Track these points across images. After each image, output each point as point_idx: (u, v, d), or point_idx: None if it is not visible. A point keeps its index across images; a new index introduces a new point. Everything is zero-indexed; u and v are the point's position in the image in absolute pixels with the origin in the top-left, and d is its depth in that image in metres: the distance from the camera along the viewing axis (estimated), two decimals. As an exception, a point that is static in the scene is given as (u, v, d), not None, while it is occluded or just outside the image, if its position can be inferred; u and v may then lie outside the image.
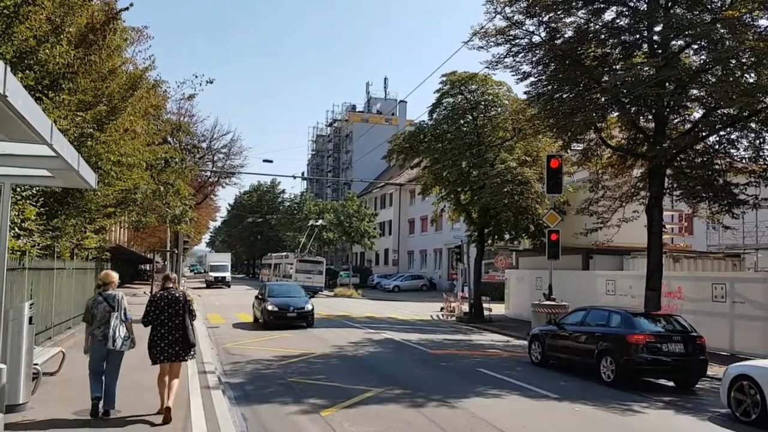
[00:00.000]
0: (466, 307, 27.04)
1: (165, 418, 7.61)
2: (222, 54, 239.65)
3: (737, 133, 16.96)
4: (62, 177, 7.63)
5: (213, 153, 46.89)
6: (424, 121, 29.86)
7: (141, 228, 36.67)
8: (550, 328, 14.70)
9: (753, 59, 14.70)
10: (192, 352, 8.14)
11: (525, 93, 19.36)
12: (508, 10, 17.69)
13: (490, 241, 28.03)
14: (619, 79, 15.70)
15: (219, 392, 9.61)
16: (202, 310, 25.08)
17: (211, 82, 23.59)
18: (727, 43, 14.83)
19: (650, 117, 17.49)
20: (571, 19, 17.58)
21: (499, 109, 26.73)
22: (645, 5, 16.84)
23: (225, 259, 56.85)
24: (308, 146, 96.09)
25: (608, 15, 17.38)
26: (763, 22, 15.63)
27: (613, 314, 13.01)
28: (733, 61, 15.25)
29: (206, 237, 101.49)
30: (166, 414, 7.65)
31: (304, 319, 20.65)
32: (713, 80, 15.84)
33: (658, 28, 16.45)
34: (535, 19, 17.68)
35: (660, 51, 16.21)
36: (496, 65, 18.61)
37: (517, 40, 18.05)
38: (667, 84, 15.88)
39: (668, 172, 17.18)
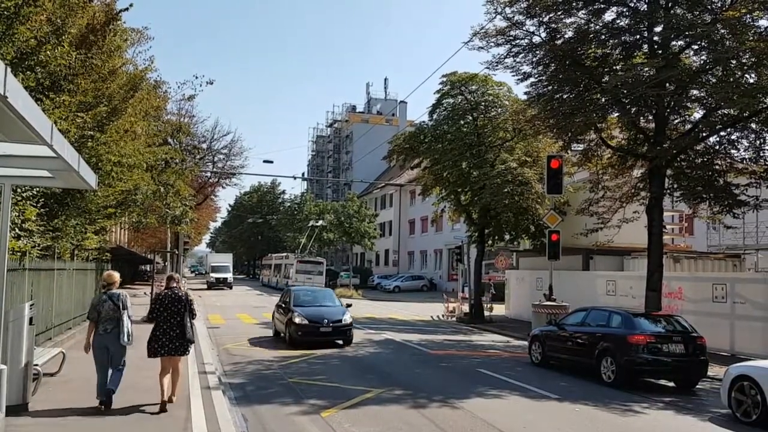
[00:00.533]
0: (466, 308, 27.05)
1: (162, 407, 8.09)
2: (222, 55, 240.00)
3: (737, 134, 16.96)
4: (63, 178, 7.63)
5: (213, 154, 46.98)
6: (424, 121, 29.91)
7: (141, 229, 36.70)
8: (550, 328, 14.69)
9: (753, 60, 14.70)
10: (189, 348, 8.71)
11: (525, 93, 19.39)
12: (508, 10, 17.70)
13: (490, 242, 28.02)
14: (619, 79, 15.69)
15: (219, 393, 9.62)
16: (202, 311, 25.09)
17: (211, 83, 23.62)
18: (727, 43, 14.83)
19: (650, 117, 17.50)
20: (572, 19, 17.58)
21: (500, 109, 26.73)
22: (645, 6, 16.84)
23: (226, 259, 55.54)
24: (308, 147, 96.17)
25: (608, 15, 17.41)
26: (763, 23, 15.69)
27: (614, 315, 13.01)
28: (734, 62, 15.25)
29: (206, 238, 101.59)
30: (164, 404, 8.14)
31: (341, 335, 16.43)
32: (713, 81, 15.85)
33: (658, 29, 16.44)
34: (535, 19, 17.68)
35: (660, 51, 16.21)
36: (497, 66, 18.63)
37: (518, 41, 18.06)
38: (667, 84, 15.88)
39: (668, 172, 17.17)
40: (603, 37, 17.20)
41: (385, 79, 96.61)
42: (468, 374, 13.11)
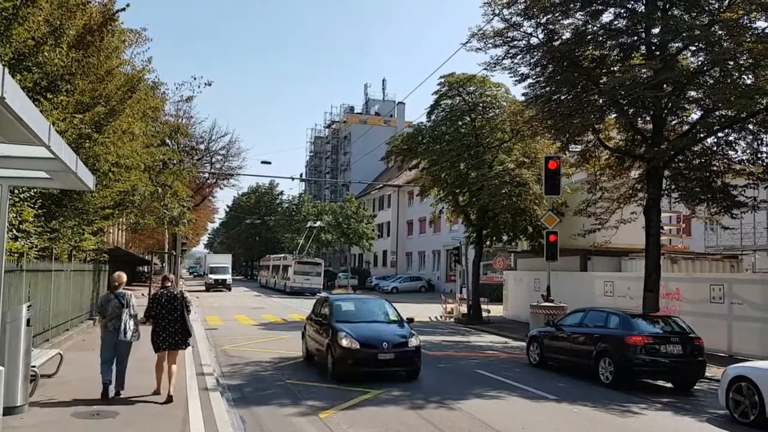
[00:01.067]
0: (464, 309, 27.05)
1: (167, 399, 8.65)
2: (222, 55, 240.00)
3: (735, 135, 16.98)
4: (60, 179, 7.62)
5: (211, 154, 46.88)
6: (422, 122, 29.90)
7: (139, 230, 36.61)
8: (548, 329, 14.71)
9: (751, 61, 14.73)
10: (188, 342, 9.35)
11: (523, 95, 19.38)
12: (506, 11, 17.73)
13: (488, 243, 28.04)
14: (617, 80, 15.71)
15: (217, 394, 9.61)
16: (200, 312, 25.07)
17: (210, 84, 23.57)
18: (725, 44, 14.86)
19: (648, 118, 17.52)
20: (569, 21, 17.61)
21: (498, 110, 26.74)
22: (643, 7, 16.86)
23: (225, 260, 54.44)
24: (306, 148, 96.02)
25: (606, 17, 17.42)
26: (760, 24, 15.71)
27: (612, 315, 13.02)
28: (731, 63, 15.27)
29: (204, 239, 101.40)
30: (169, 397, 8.68)
31: (406, 364, 11.97)
32: (711, 82, 15.88)
33: (656, 30, 16.47)
34: (532, 21, 17.70)
35: (658, 53, 16.24)
36: (494, 67, 18.66)
37: (515, 42, 18.08)
38: (665, 86, 15.90)
39: (666, 173, 17.20)
40: (601, 38, 17.22)
41: (383, 80, 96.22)
42: (466, 375, 13.10)
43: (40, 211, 12.13)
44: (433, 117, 28.10)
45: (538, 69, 18.06)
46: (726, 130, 16.77)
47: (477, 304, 26.11)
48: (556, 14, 17.31)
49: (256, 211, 77.23)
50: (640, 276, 17.76)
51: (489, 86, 26.78)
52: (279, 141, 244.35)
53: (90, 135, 12.86)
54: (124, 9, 13.39)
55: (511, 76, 18.57)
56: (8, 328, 7.70)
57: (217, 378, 11.20)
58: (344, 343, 11.49)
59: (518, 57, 18.04)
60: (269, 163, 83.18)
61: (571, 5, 16.93)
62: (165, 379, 8.90)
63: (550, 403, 10.48)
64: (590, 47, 17.39)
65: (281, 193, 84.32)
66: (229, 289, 48.77)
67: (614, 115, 17.78)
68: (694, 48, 16.51)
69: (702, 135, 16.81)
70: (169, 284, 9.48)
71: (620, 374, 11.91)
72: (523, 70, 18.16)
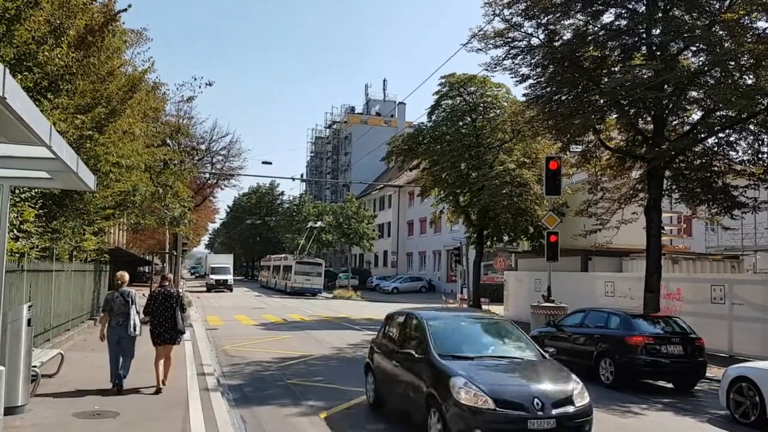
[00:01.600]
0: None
1: (157, 390, 9.25)
2: (222, 55, 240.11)
3: (736, 135, 16.98)
4: (61, 179, 7.63)
5: (212, 155, 46.84)
6: (423, 122, 29.94)
7: (140, 230, 36.61)
8: (549, 329, 14.70)
9: (752, 61, 14.73)
10: (180, 338, 9.92)
11: (524, 95, 19.41)
12: (506, 12, 17.75)
13: (489, 243, 28.04)
14: (618, 81, 15.72)
15: (218, 394, 9.60)
16: (200, 313, 25.08)
17: (210, 85, 23.51)
18: (725, 45, 14.86)
19: (649, 119, 17.52)
20: (570, 21, 17.63)
21: (498, 110, 26.79)
22: (644, 7, 16.87)
23: (227, 260, 54.18)
24: (307, 148, 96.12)
25: (607, 17, 17.46)
26: (761, 24, 15.72)
27: (612, 316, 13.01)
28: (732, 63, 15.28)
29: (205, 239, 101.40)
30: (159, 387, 9.31)
31: None
32: (712, 82, 15.88)
33: (656, 31, 16.47)
34: (533, 21, 17.71)
35: (659, 53, 16.24)
36: (495, 67, 18.68)
37: (516, 43, 18.10)
38: (665, 86, 15.90)
39: (667, 173, 17.19)
40: (601, 39, 17.23)
41: (384, 81, 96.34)
42: (467, 375, 13.05)
43: (41, 211, 12.14)
44: (433, 117, 28.13)
45: (538, 69, 18.06)
46: (727, 131, 16.77)
47: (478, 305, 26.11)
48: (557, 15, 17.32)
49: (256, 212, 77.26)
50: (641, 276, 17.74)
51: (490, 87, 26.81)
52: (279, 141, 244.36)
53: (91, 135, 12.87)
54: (125, 10, 13.40)
55: (512, 77, 18.62)
56: (9, 328, 7.70)
57: (217, 378, 11.19)
58: (464, 396, 6.80)
59: (519, 57, 18.06)
60: (270, 163, 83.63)
61: (572, 6, 16.95)
62: (161, 370, 9.49)
63: (551, 404, 10.44)
64: (591, 48, 17.39)
65: (282, 193, 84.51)
66: (231, 290, 48.36)
67: (615, 116, 17.78)
68: (694, 48, 16.52)
69: (703, 135, 16.81)
70: (167, 283, 9.96)
71: (621, 375, 11.90)
72: (524, 70, 18.20)
